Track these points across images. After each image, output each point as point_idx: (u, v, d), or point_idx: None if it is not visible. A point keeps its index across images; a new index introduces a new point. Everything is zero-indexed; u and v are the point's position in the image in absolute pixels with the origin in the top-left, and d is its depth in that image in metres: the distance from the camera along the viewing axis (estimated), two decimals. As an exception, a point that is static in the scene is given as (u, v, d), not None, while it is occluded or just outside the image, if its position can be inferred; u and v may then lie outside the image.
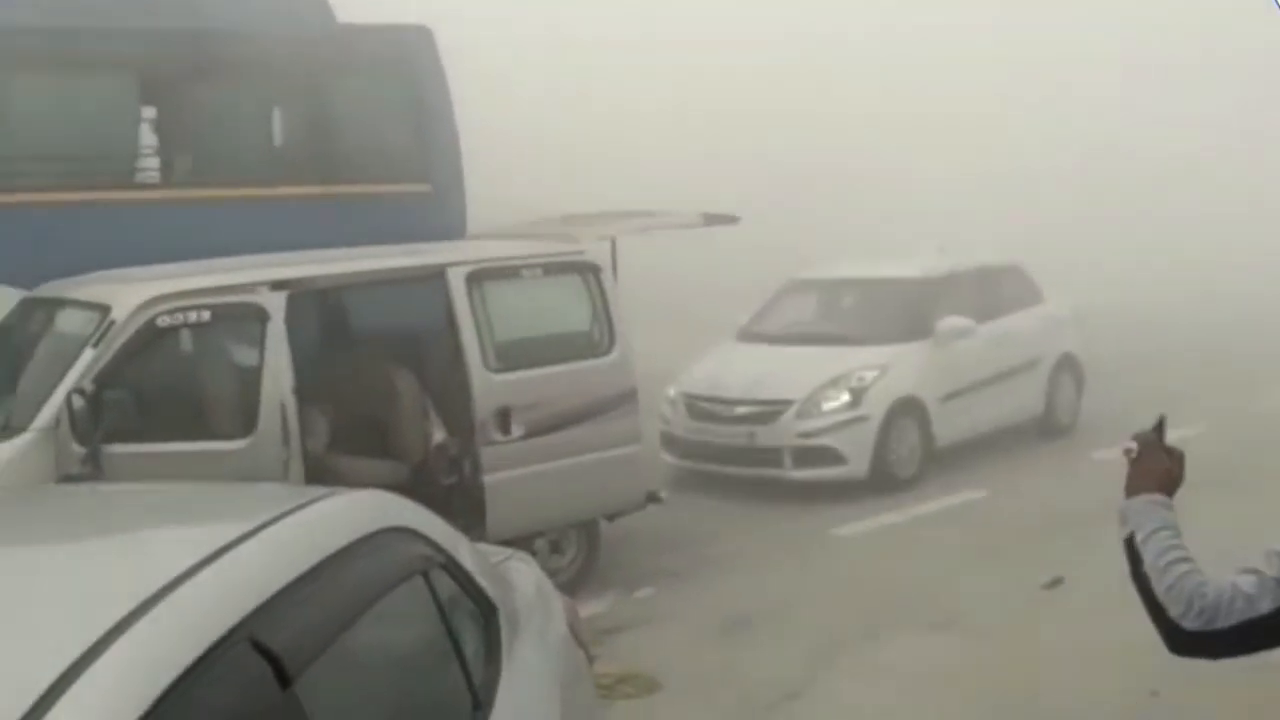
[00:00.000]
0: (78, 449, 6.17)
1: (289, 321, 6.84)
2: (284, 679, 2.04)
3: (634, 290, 9.44)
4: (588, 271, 7.99)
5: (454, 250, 8.11)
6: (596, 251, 8.19)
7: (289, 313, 6.85)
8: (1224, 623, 2.46)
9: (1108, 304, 15.31)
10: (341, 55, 9.84)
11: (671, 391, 10.53)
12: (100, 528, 2.74)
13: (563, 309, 8.05)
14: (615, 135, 17.20)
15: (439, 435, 7.54)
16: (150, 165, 9.47)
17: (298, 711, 2.06)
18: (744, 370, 10.36)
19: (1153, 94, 21.84)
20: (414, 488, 6.50)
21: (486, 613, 3.12)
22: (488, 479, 7.40)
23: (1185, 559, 2.54)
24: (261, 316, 6.79)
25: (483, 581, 3.17)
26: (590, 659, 3.87)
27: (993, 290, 11.57)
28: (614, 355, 7.99)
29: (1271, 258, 18.29)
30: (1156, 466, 2.69)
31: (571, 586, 7.09)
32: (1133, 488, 2.69)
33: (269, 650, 2.03)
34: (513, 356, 7.61)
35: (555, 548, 7.89)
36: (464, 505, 7.29)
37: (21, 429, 6.29)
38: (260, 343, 6.79)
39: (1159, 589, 2.52)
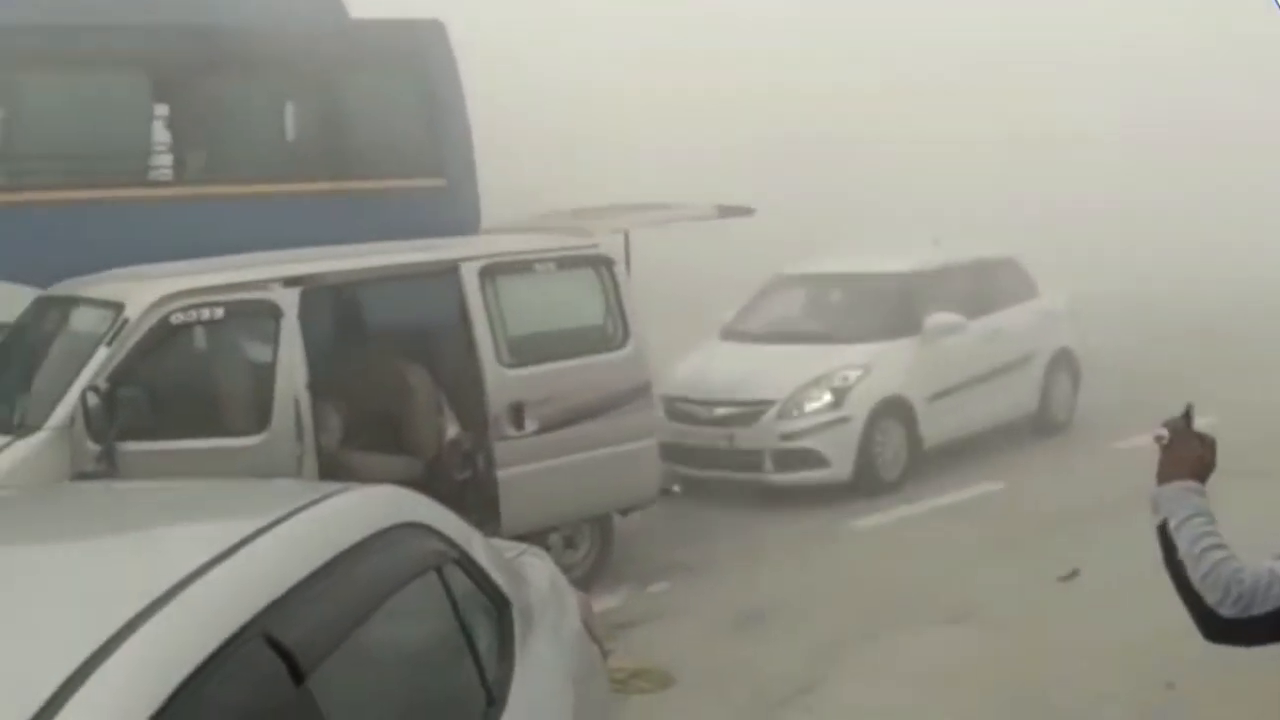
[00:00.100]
0: (92, 447, 6.19)
1: (302, 318, 6.85)
2: (298, 675, 2.04)
3: (648, 283, 9.44)
4: (601, 265, 7.98)
5: (467, 245, 8.11)
6: (610, 245, 8.18)
7: (302, 309, 6.86)
8: (1260, 609, 2.46)
9: (1109, 293, 15.28)
10: (354, 50, 9.85)
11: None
12: (114, 524, 2.75)
13: (576, 303, 8.05)
14: (629, 127, 17.17)
15: (452, 430, 7.54)
16: (163, 162, 9.49)
17: (311, 707, 2.06)
18: (725, 370, 10.00)
19: (1151, 84, 21.75)
20: (428, 483, 6.50)
21: (500, 608, 3.12)
22: (501, 474, 7.40)
23: (1220, 545, 2.53)
24: (275, 313, 6.80)
25: (496, 576, 3.16)
26: (604, 654, 3.87)
27: (985, 284, 11.25)
28: (628, 349, 7.98)
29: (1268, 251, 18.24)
30: (1188, 453, 2.69)
31: (585, 581, 7.10)
32: (1165, 475, 2.68)
33: (283, 646, 2.03)
34: (526, 351, 7.61)
35: (569, 543, 7.89)
36: (478, 500, 7.29)
37: (36, 427, 6.31)
38: (274, 339, 6.80)
39: (1194, 576, 2.51)
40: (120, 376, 6.33)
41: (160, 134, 9.44)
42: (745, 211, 9.23)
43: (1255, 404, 10.51)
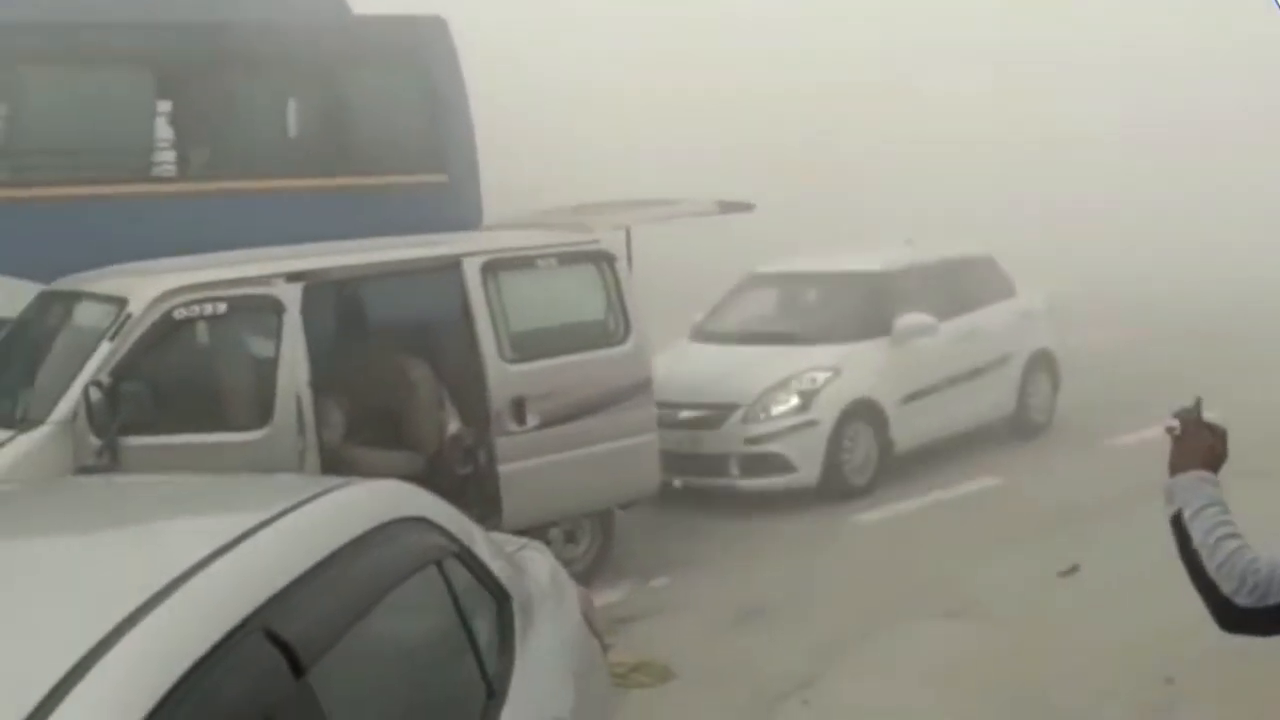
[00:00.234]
0: (95, 441, 6.20)
1: (304, 313, 6.86)
2: (298, 669, 2.05)
3: (650, 280, 9.44)
4: (602, 261, 7.99)
5: (469, 241, 8.12)
6: (611, 241, 8.20)
7: (304, 304, 6.87)
8: (1276, 598, 2.47)
9: (1105, 293, 15.26)
10: (356, 46, 9.87)
11: None
12: (115, 518, 2.76)
13: (578, 299, 8.06)
14: (629, 126, 17.18)
15: (454, 425, 7.56)
16: (166, 159, 9.51)
17: (311, 701, 2.07)
18: (692, 372, 9.66)
19: (1151, 84, 21.74)
20: (429, 478, 6.52)
21: (500, 602, 3.13)
22: (503, 469, 7.42)
23: (1235, 535, 2.54)
24: (277, 308, 6.82)
25: (497, 571, 3.18)
26: (605, 648, 3.88)
27: (960, 284, 11.01)
28: (629, 345, 7.99)
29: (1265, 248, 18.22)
30: (1200, 444, 2.70)
31: (586, 576, 7.12)
32: (1177, 465, 2.69)
33: (283, 640, 2.04)
34: (528, 346, 7.62)
35: (570, 537, 7.91)
36: (479, 495, 7.31)
37: (39, 422, 6.33)
38: (276, 334, 6.82)
39: (1209, 566, 2.52)
40: (123, 371, 6.35)
41: (163, 130, 9.47)
42: (745, 207, 9.24)
43: (1256, 404, 10.51)
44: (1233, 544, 2.52)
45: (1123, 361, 13.56)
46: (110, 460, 6.19)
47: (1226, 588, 2.50)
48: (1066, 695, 5.84)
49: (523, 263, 7.78)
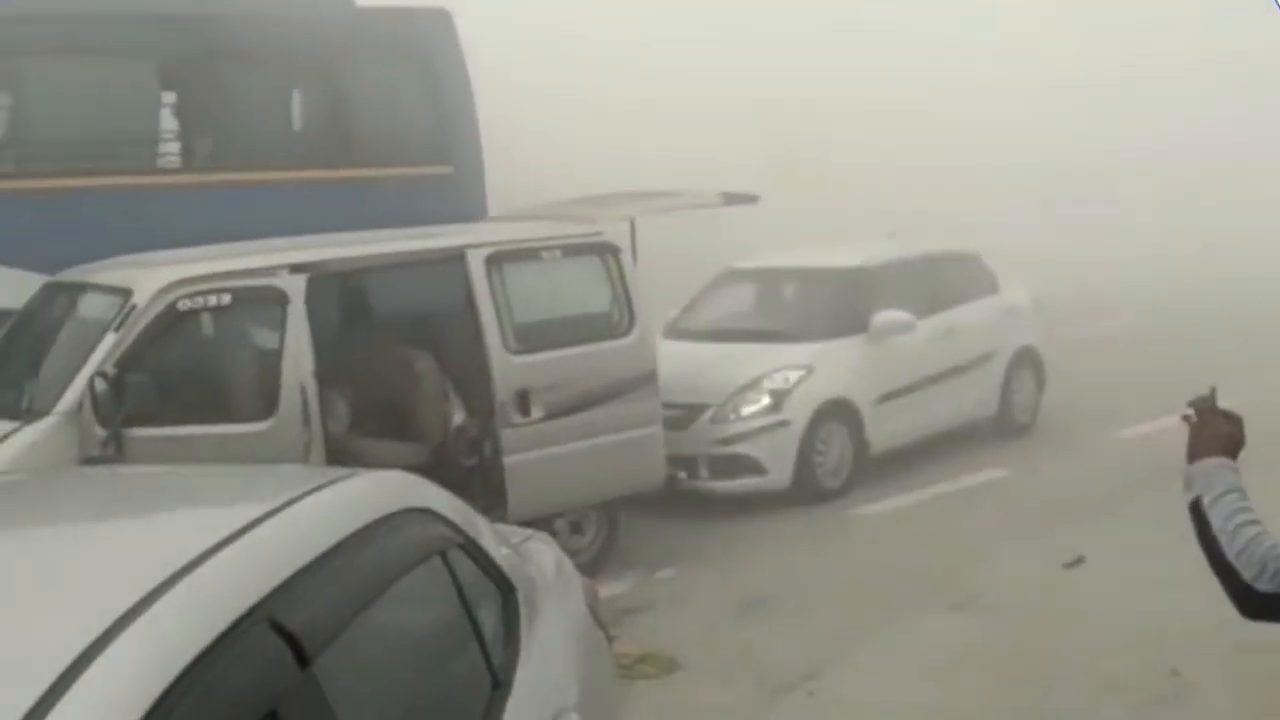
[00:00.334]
0: (100, 432, 6.21)
1: (309, 304, 6.86)
2: (303, 659, 2.05)
3: (653, 272, 9.43)
4: (607, 253, 7.98)
5: (473, 232, 8.12)
6: (615, 233, 8.19)
7: (309, 296, 6.87)
8: None
9: (1107, 291, 15.24)
10: (360, 38, 9.86)
11: None
12: (120, 509, 2.76)
13: (582, 291, 8.05)
14: (631, 124, 17.17)
15: (459, 417, 7.56)
16: (171, 150, 9.51)
17: (316, 692, 2.07)
18: (663, 371, 8.73)
19: (1150, 89, 21.78)
20: (434, 469, 6.51)
21: (505, 593, 3.13)
22: (508, 460, 7.42)
23: (1254, 521, 2.54)
24: (282, 300, 6.82)
25: (502, 561, 3.18)
26: (610, 639, 3.88)
27: (941, 280, 10.73)
28: (633, 337, 7.99)
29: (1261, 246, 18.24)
30: (1218, 430, 2.70)
31: (592, 567, 7.12)
32: (1195, 452, 2.69)
33: (288, 631, 2.04)
34: (532, 338, 7.62)
35: (575, 528, 7.92)
36: (484, 487, 7.32)
37: (44, 413, 6.34)
38: (281, 326, 6.82)
39: (1230, 552, 2.51)
40: (128, 362, 6.35)
41: (168, 122, 9.47)
42: (750, 199, 9.20)
43: (1257, 403, 10.49)
44: (1253, 530, 2.52)
45: (1123, 355, 13.54)
46: (115, 451, 6.19)
47: (1247, 574, 2.49)
48: (1071, 687, 5.83)
49: (527, 254, 7.77)
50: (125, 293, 6.60)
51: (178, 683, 1.75)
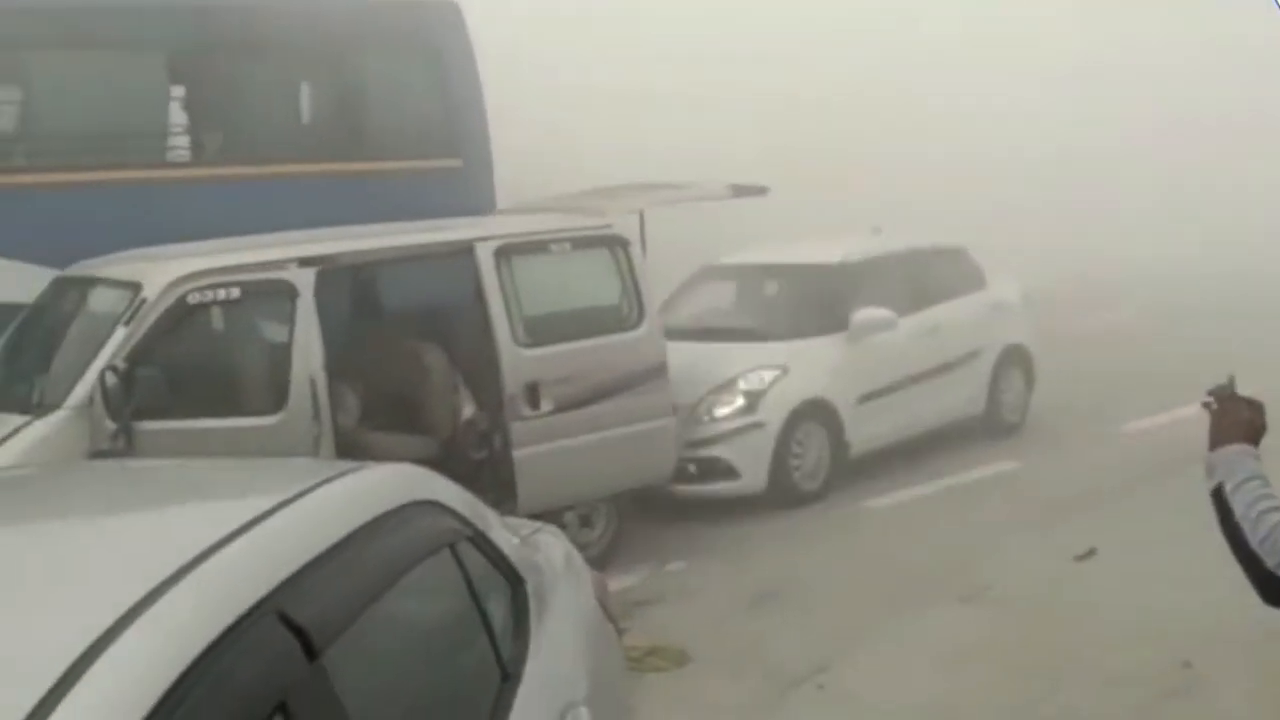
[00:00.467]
0: (110, 426, 6.22)
1: (318, 298, 6.88)
2: (311, 652, 2.04)
3: (664, 264, 9.43)
4: (616, 245, 7.98)
5: (482, 225, 8.13)
6: (624, 225, 8.18)
7: (318, 289, 6.89)
8: None
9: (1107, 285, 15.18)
10: (369, 31, 9.87)
11: None
12: (129, 502, 2.75)
13: (591, 283, 8.06)
14: (636, 122, 17.17)
15: (468, 410, 7.57)
16: (180, 144, 9.52)
17: (325, 684, 2.07)
18: None
19: (1152, 78, 21.75)
20: (444, 463, 6.52)
21: (515, 585, 3.12)
22: (517, 454, 7.42)
23: (1278, 508, 2.52)
24: (291, 293, 6.83)
25: (511, 554, 3.17)
26: (620, 632, 3.88)
27: (926, 275, 10.48)
28: (643, 329, 7.99)
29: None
30: (1239, 417, 2.69)
31: (602, 560, 7.13)
32: (1217, 439, 2.67)
33: (296, 623, 2.04)
34: (541, 331, 7.62)
35: (585, 521, 7.92)
36: (494, 480, 7.33)
37: (55, 406, 6.36)
38: (290, 319, 6.83)
39: (1253, 539, 2.50)
40: (138, 356, 6.37)
41: (177, 115, 9.48)
42: (759, 191, 9.20)
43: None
44: (1276, 517, 2.50)
45: (1126, 348, 13.51)
46: (125, 445, 6.21)
47: (1270, 561, 2.48)
48: (1082, 680, 5.82)
49: (536, 247, 7.77)
50: (135, 287, 6.61)
51: (186, 675, 1.74)
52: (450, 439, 7.56)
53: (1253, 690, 5.51)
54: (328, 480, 2.66)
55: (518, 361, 7.47)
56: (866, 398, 9.57)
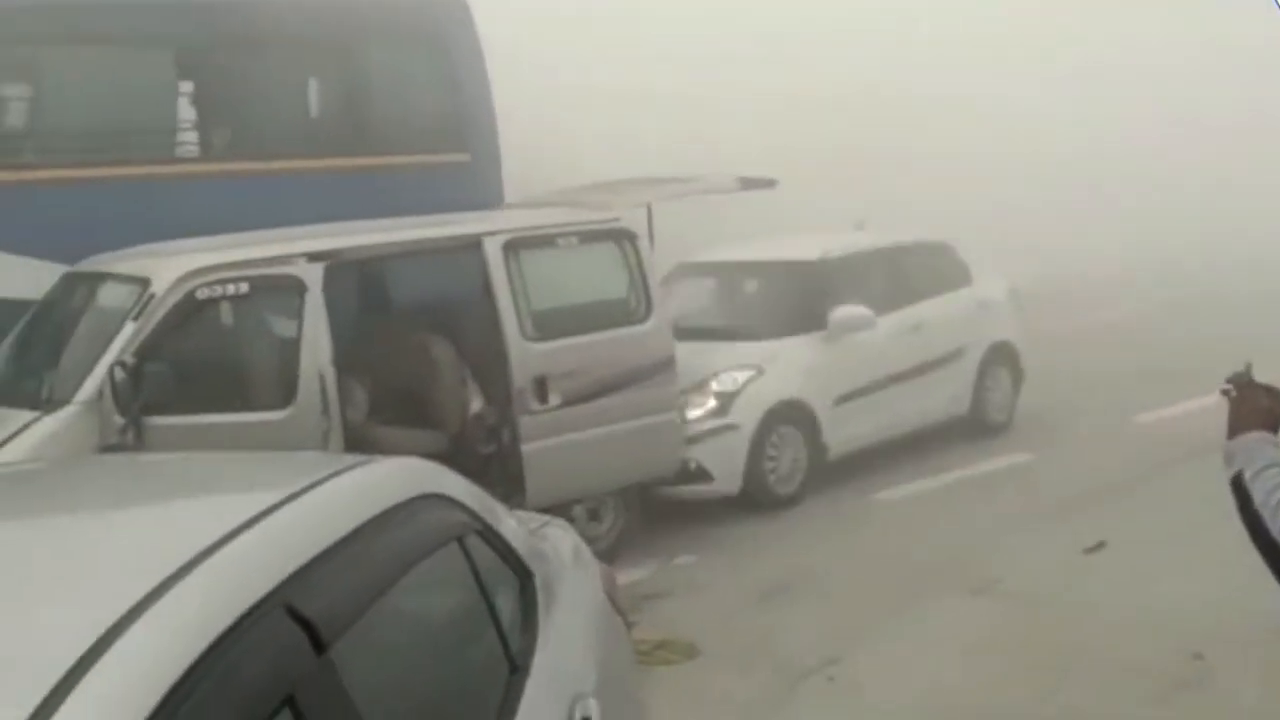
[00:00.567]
0: (119, 421, 6.23)
1: (327, 292, 6.88)
2: (319, 645, 2.04)
3: (672, 257, 9.43)
4: (624, 239, 7.98)
5: (490, 219, 8.13)
6: (632, 219, 8.17)
7: (326, 284, 6.89)
8: None
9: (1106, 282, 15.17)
10: (377, 26, 9.87)
11: None
12: (138, 496, 2.76)
13: (599, 277, 8.05)
14: (641, 120, 17.18)
15: (477, 404, 7.58)
16: (189, 139, 9.53)
17: (333, 678, 2.07)
18: None
19: (1151, 75, 21.76)
20: (453, 457, 6.52)
21: (523, 578, 3.12)
22: (526, 448, 7.43)
23: None
24: (299, 288, 6.83)
25: (519, 548, 3.17)
26: (629, 625, 3.87)
27: (909, 272, 10.25)
28: (651, 323, 7.98)
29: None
30: (1257, 405, 2.67)
31: (610, 554, 7.13)
32: (1236, 427, 2.66)
33: (304, 617, 2.04)
34: (549, 325, 7.62)
35: (593, 515, 7.92)
36: (502, 474, 7.33)
37: (64, 402, 6.37)
38: (298, 314, 6.84)
39: (1273, 527, 2.48)
40: (147, 351, 6.38)
41: (185, 111, 9.49)
42: (767, 184, 9.18)
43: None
44: None
45: (1128, 342, 13.49)
46: (134, 440, 6.22)
47: None
48: (1092, 671, 5.81)
49: (544, 241, 7.77)
50: (144, 282, 6.62)
51: (194, 668, 1.74)
52: (459, 433, 7.56)
53: (1264, 682, 5.49)
54: (336, 474, 2.66)
55: (526, 356, 7.47)
56: (845, 398, 9.37)
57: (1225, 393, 2.74)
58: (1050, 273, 16.61)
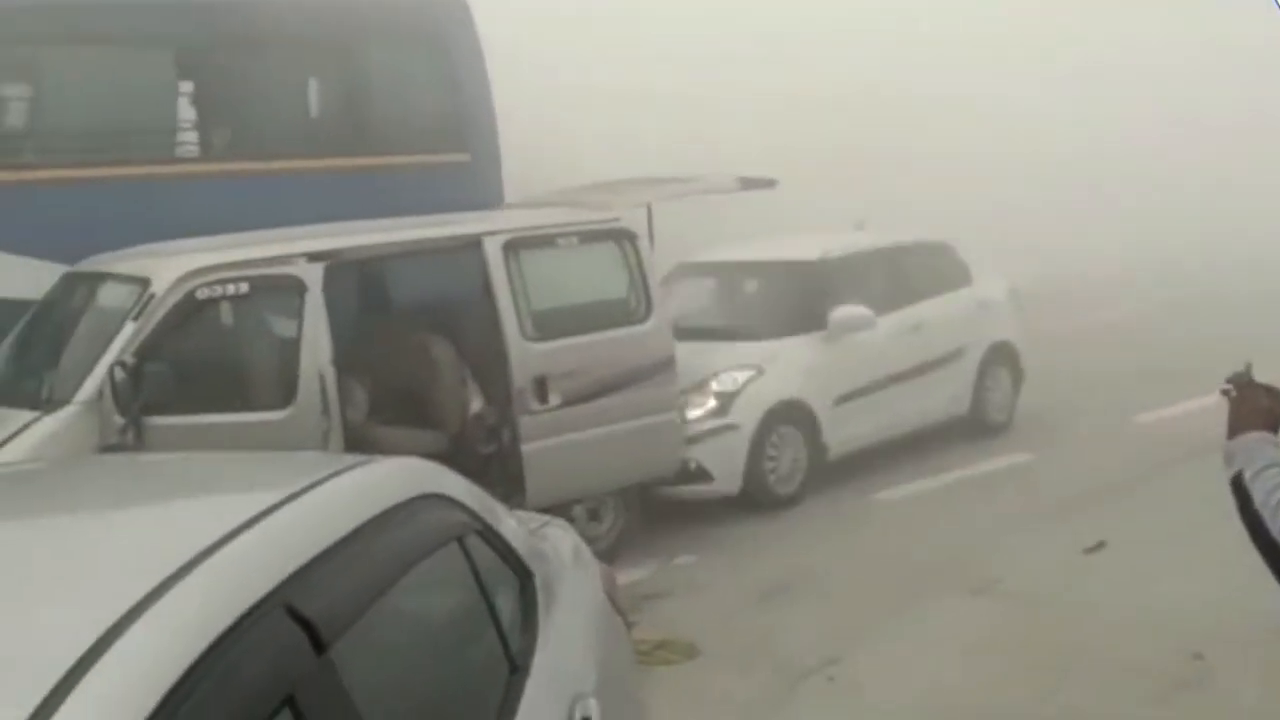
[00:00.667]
0: (119, 421, 6.23)
1: (327, 292, 6.88)
2: (319, 645, 2.04)
3: (672, 257, 9.42)
4: (624, 239, 7.98)
5: (490, 219, 8.13)
6: (632, 219, 8.17)
7: (326, 284, 6.89)
8: None
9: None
10: (377, 26, 9.86)
11: None
12: (137, 495, 2.76)
13: (599, 277, 8.05)
14: (646, 118, 17.19)
15: (477, 404, 7.58)
16: (189, 139, 9.53)
17: (333, 678, 2.07)
18: None
19: (1151, 75, 21.78)
20: (452, 457, 6.52)
21: (523, 578, 3.12)
22: (525, 448, 7.43)
23: None
24: (299, 288, 6.83)
25: (519, 548, 3.17)
26: (629, 625, 3.87)
27: (908, 272, 10.23)
28: (650, 323, 7.98)
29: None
30: (1257, 405, 2.67)
31: (610, 554, 7.13)
32: (1236, 427, 2.65)
33: (304, 617, 2.04)
34: (549, 325, 7.62)
35: (593, 515, 7.92)
36: (502, 474, 7.33)
37: (64, 402, 6.37)
38: (299, 314, 6.84)
39: (1274, 528, 2.48)
40: (147, 351, 6.38)
41: (185, 111, 9.48)
42: (767, 183, 9.18)
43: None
44: None
45: (1128, 342, 13.50)
46: (134, 440, 6.21)
47: None
48: (1092, 671, 5.81)
49: (544, 241, 7.77)
50: (144, 282, 6.62)
51: (194, 668, 1.74)
52: (459, 433, 7.56)
53: (1263, 682, 5.49)
54: (336, 474, 2.66)
55: (526, 355, 7.47)
56: (845, 398, 9.35)
57: (1225, 393, 2.73)
58: (1050, 273, 16.65)
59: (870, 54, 19.86)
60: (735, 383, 8.82)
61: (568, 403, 7.56)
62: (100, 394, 6.30)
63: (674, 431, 8.12)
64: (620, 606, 3.73)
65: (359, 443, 6.84)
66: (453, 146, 9.81)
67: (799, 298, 9.60)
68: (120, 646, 1.70)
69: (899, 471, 9.54)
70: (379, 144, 9.62)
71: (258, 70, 9.54)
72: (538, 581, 3.16)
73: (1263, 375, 2.77)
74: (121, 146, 8.88)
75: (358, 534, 2.39)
